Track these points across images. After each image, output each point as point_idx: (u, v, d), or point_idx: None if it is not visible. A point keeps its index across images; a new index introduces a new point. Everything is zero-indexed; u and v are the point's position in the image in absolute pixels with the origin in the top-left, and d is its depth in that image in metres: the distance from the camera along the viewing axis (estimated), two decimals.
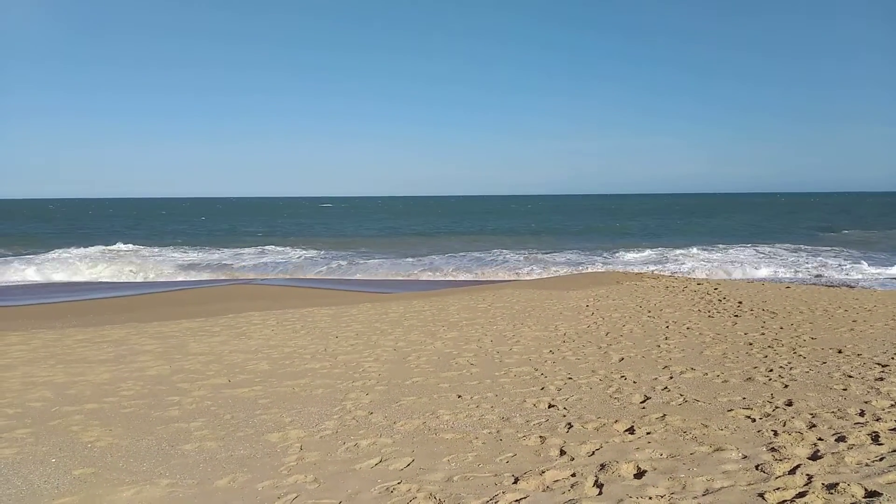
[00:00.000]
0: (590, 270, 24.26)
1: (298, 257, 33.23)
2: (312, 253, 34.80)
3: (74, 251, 34.13)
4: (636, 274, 20.43)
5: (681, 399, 6.07)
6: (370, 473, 4.46)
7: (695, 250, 29.97)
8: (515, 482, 4.18)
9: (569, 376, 7.15)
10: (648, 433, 5.06)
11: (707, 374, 7.07)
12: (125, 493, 4.31)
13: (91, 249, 35.28)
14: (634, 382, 6.79)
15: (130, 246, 37.38)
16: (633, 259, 28.86)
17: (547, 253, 32.63)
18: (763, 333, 9.45)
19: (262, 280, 25.10)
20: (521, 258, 30.95)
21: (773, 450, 4.58)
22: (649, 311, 11.97)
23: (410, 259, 30.69)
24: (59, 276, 26.58)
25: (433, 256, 31.44)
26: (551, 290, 16.13)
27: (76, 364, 8.74)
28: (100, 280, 25.85)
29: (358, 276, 25.79)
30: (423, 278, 24.96)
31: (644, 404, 5.94)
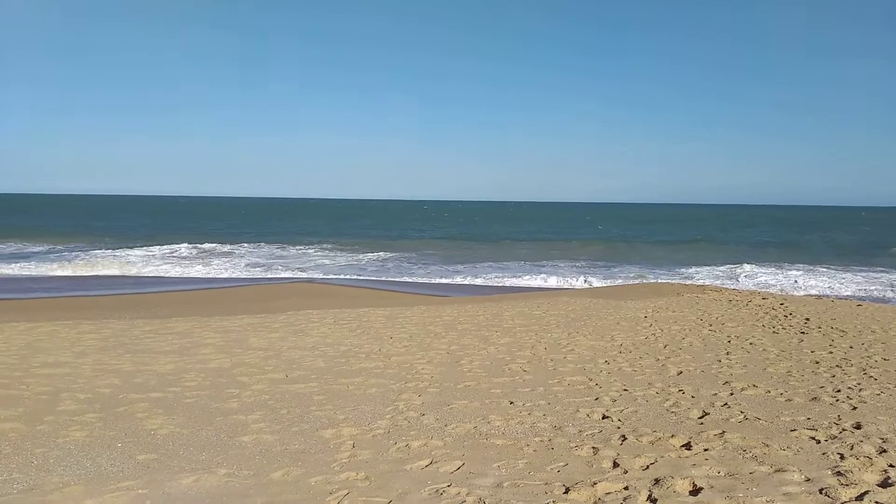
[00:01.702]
0: (650, 281, 23.76)
1: (360, 259, 33.80)
2: (375, 254, 35.34)
3: (157, 249, 35.89)
4: (698, 286, 19.90)
5: (741, 416, 5.88)
6: (420, 474, 4.49)
7: (757, 267, 28.93)
8: (566, 492, 4.13)
9: (624, 388, 7.02)
10: (706, 450, 4.92)
11: (770, 391, 6.83)
12: (185, 480, 4.46)
13: (169, 247, 36.96)
14: (693, 397, 6.62)
15: (208, 245, 38.82)
16: (697, 271, 28.12)
17: (606, 262, 32.15)
18: (831, 352, 9.06)
19: (321, 279, 25.60)
20: (579, 266, 30.60)
21: (839, 474, 4.38)
22: (710, 325, 11.64)
23: (467, 264, 30.75)
24: (135, 270, 27.77)
25: (489, 262, 31.41)
26: (608, 300, 15.88)
27: (143, 354, 9.11)
28: (167, 275, 26.84)
29: (414, 279, 25.99)
30: (478, 283, 24.95)
31: (702, 420, 5.78)
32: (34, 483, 4.44)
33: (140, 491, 4.27)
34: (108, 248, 35.81)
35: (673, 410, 6.10)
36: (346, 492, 4.19)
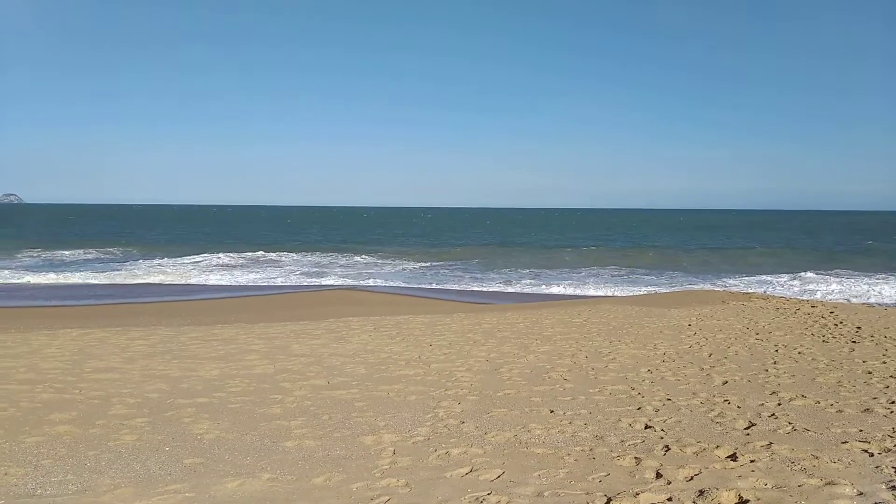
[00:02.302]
0: (694, 288, 23.32)
1: (400, 266, 34.03)
2: (416, 262, 35.56)
3: (204, 257, 37.18)
4: (744, 294, 19.45)
5: (789, 427, 5.72)
6: (460, 482, 4.49)
7: (809, 273, 28.09)
8: (608, 502, 4.08)
9: (667, 397, 6.90)
10: (752, 461, 4.81)
11: (819, 402, 6.63)
12: (230, 484, 4.55)
13: (216, 255, 38.07)
14: (738, 407, 6.47)
15: (248, 254, 39.71)
16: (745, 278, 27.48)
17: (650, 269, 31.69)
18: (885, 362, 8.75)
19: (362, 286, 25.84)
20: (621, 273, 30.23)
21: (893, 488, 4.23)
22: (757, 333, 11.36)
23: (508, 271, 30.68)
24: (183, 279, 28.51)
25: (530, 269, 31.27)
26: (651, 307, 15.64)
27: (189, 360, 9.33)
28: (214, 283, 27.44)
29: (453, 287, 26.02)
30: (518, 291, 24.85)
31: (748, 431, 5.65)
32: (87, 485, 4.59)
33: (187, 494, 4.37)
34: (158, 257, 36.87)
35: (718, 421, 5.98)
36: (386, 498, 4.22)
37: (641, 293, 22.78)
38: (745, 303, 16.35)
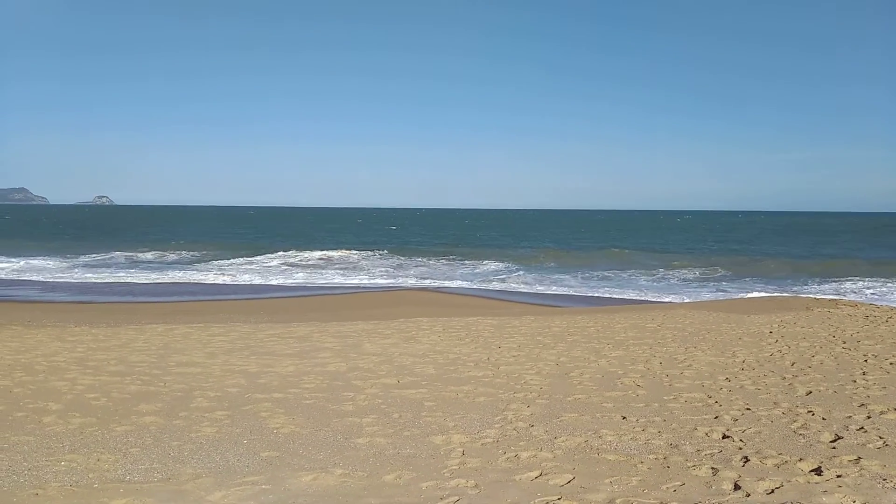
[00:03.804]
0: (774, 294, 22.35)
1: (472, 268, 34.13)
2: (488, 264, 35.61)
3: (295, 255, 38.73)
4: (829, 300, 18.48)
5: (880, 442, 5.40)
6: (530, 486, 4.46)
7: None
8: None
9: (747, 407, 6.64)
10: (839, 476, 4.56)
11: None
12: (304, 478, 4.68)
13: (294, 255, 39.41)
14: (824, 419, 6.15)
15: (317, 253, 40.79)
16: (829, 284, 26.15)
17: (728, 273, 30.60)
18: None
19: (432, 287, 26.06)
20: (697, 278, 29.31)
21: None
22: (844, 342, 10.78)
23: (579, 274, 30.25)
24: (260, 278, 29.51)
25: (602, 272, 30.73)
26: (729, 313, 15.09)
27: (266, 356, 9.65)
28: (290, 283, 28.25)
29: (523, 289, 25.87)
30: (589, 294, 24.46)
31: (834, 444, 5.37)
32: (171, 473, 4.82)
33: (263, 486, 4.52)
34: (241, 256, 38.38)
35: (801, 433, 5.71)
36: (456, 498, 4.24)
37: (719, 298, 22.01)
38: (830, 310, 15.54)
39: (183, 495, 4.36)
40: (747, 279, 28.45)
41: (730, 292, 24.10)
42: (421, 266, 35.27)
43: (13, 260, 34.53)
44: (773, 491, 4.30)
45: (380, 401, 6.97)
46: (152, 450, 5.35)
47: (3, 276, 28.57)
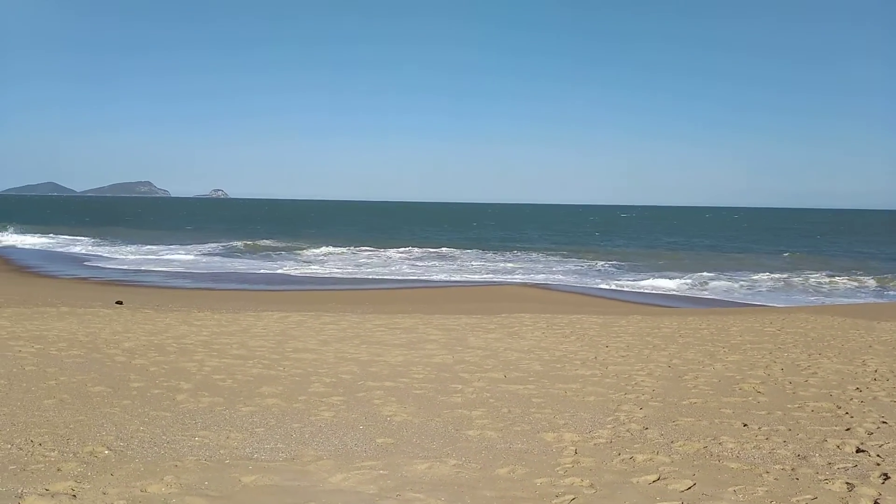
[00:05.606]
0: None
1: (573, 264, 33.69)
2: (590, 260, 35.07)
3: (403, 250, 40.01)
4: None
5: None
6: (648, 489, 4.35)
7: None
8: None
9: (883, 420, 6.16)
10: None
11: None
12: (419, 466, 4.78)
13: (397, 249, 40.55)
14: None
15: (442, 249, 41.67)
16: None
17: (851, 274, 28.49)
18: None
19: (533, 282, 25.88)
20: (818, 279, 27.49)
21: None
22: None
23: (686, 274, 29.10)
24: (370, 270, 30.43)
25: (712, 272, 29.39)
26: (856, 319, 14.06)
27: (376, 345, 9.92)
28: (396, 276, 28.94)
29: (627, 287, 25.19)
30: (698, 295, 23.50)
31: None
32: (294, 454, 5.06)
33: (381, 471, 4.66)
34: (342, 246, 39.78)
35: None
36: (572, 496, 4.19)
37: (843, 303, 20.55)
38: None
39: (307, 475, 4.57)
40: (874, 284, 26.31)
41: (854, 298, 22.41)
42: (518, 261, 35.21)
43: (146, 248, 37.60)
44: None
45: (487, 394, 7.00)
46: (276, 430, 5.63)
47: (130, 267, 30.99)
